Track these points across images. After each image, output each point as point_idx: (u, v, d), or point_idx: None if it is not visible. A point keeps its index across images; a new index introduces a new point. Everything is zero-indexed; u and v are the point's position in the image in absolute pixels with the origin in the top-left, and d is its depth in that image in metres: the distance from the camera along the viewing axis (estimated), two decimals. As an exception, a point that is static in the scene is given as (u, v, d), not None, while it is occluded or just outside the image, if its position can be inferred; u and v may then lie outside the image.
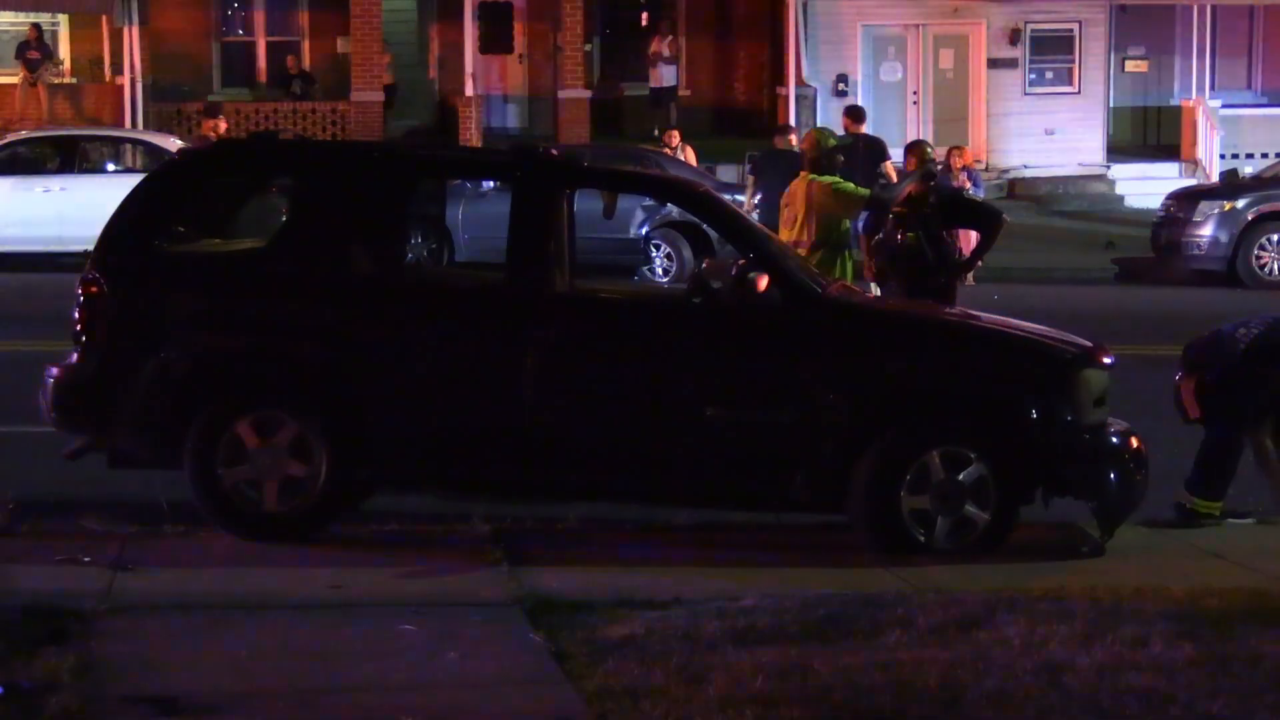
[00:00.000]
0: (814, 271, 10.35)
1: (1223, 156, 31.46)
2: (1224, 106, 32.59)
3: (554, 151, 10.10)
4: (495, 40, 31.18)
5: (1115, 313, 20.80)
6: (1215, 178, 28.86)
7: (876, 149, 21.06)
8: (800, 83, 31.46)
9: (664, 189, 12.84)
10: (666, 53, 32.63)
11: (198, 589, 8.20)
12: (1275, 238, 24.32)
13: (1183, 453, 10.34)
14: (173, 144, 22.90)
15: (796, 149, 17.78)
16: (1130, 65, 34.31)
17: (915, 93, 32.30)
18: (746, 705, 6.37)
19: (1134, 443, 9.41)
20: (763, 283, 9.10)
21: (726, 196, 13.69)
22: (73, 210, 21.76)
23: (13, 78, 30.66)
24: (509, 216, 9.34)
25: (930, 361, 9.31)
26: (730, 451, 9.10)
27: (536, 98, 33.85)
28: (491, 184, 21.60)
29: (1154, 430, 10.08)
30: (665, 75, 32.62)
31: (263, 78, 32.87)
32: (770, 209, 16.49)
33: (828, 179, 13.06)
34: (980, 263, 13.66)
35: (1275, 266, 24.31)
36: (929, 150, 13.67)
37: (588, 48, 33.09)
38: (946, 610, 7.72)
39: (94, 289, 9.24)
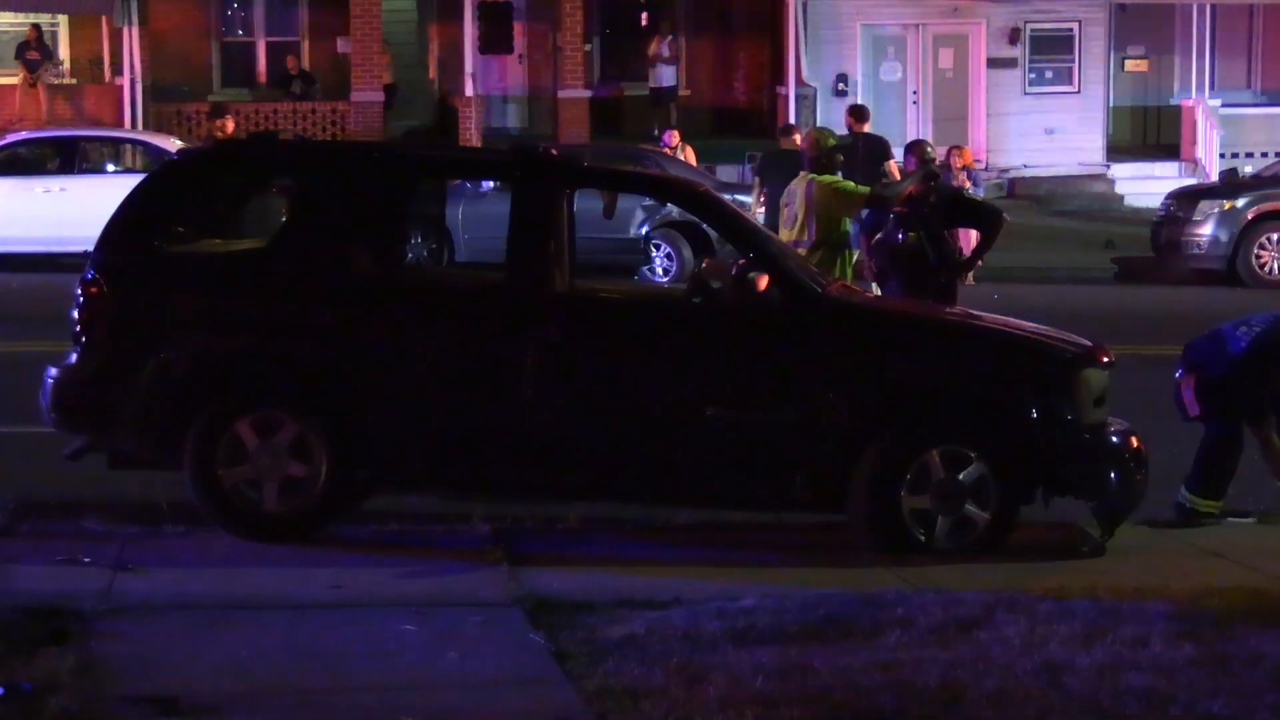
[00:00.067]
0: (814, 271, 10.34)
1: (1222, 156, 31.47)
2: (1224, 106, 32.59)
3: (554, 151, 10.09)
4: (495, 40, 31.18)
5: (1115, 312, 20.80)
6: (1215, 177, 28.86)
7: (879, 148, 21.05)
8: (800, 82, 31.47)
9: (664, 189, 12.85)
10: (666, 52, 32.63)
11: (198, 589, 8.20)
12: (1275, 237, 24.33)
13: (1183, 452, 10.34)
14: (172, 144, 22.89)
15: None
16: (1130, 65, 34.33)
17: (915, 92, 32.31)
18: (746, 705, 6.37)
19: (1134, 442, 9.41)
20: (763, 282, 9.10)
21: (726, 196, 13.70)
22: (72, 211, 21.75)
23: (12, 78, 30.66)
24: (509, 216, 9.34)
25: (930, 361, 9.31)
26: (730, 451, 9.10)
27: (536, 98, 33.86)
28: (491, 184, 21.62)
29: (1154, 429, 10.08)
30: (665, 75, 32.62)
31: (262, 78, 32.87)
32: (776, 209, 16.48)
33: (827, 178, 13.06)
34: (981, 262, 13.65)
35: (1275, 265, 24.31)
36: (929, 150, 13.65)
37: (587, 48, 33.09)
38: (947, 610, 7.72)
39: (94, 289, 9.24)
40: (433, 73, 33.87)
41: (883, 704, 6.44)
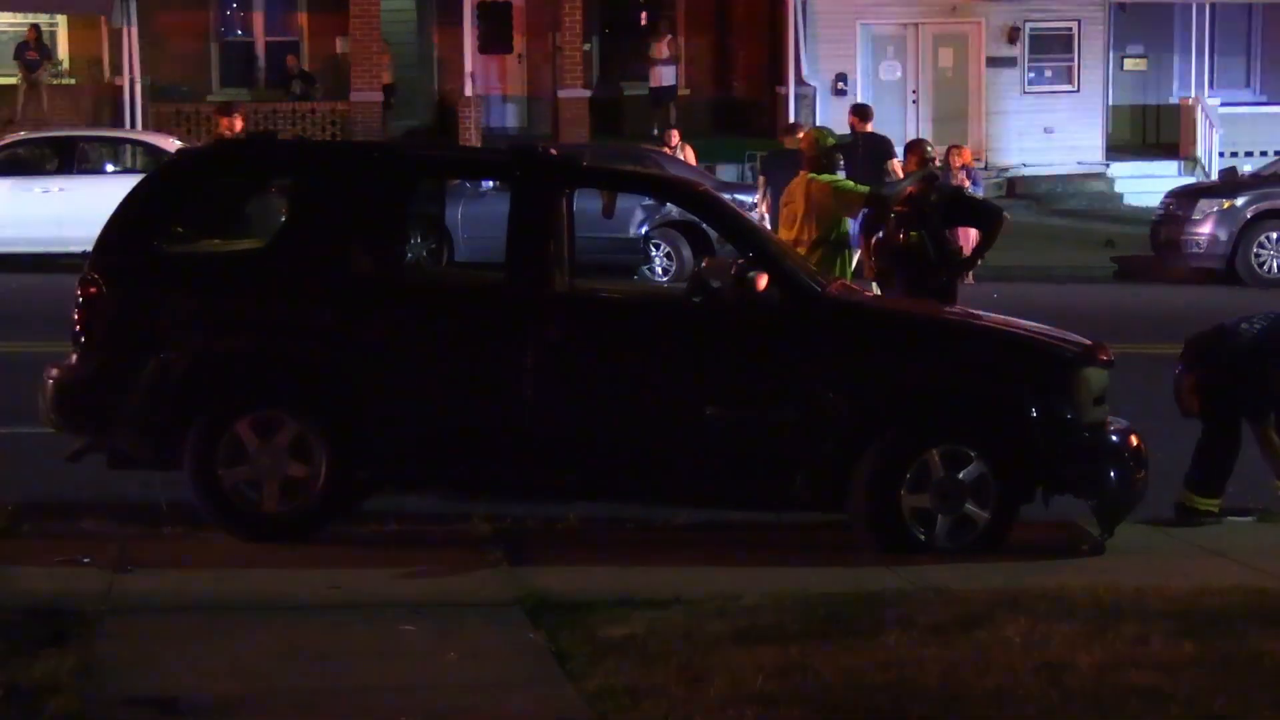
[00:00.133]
0: (813, 270, 10.34)
1: (1221, 154, 31.48)
2: (1223, 105, 32.60)
3: (553, 151, 10.09)
4: (495, 40, 31.18)
5: (1114, 311, 20.81)
6: (1214, 176, 28.87)
7: (882, 147, 21.03)
8: (799, 82, 31.48)
9: (663, 188, 12.83)
10: (666, 52, 32.63)
11: (198, 590, 8.20)
12: (1274, 235, 24.33)
13: (1183, 451, 10.34)
14: (172, 144, 22.89)
15: None
16: (1129, 64, 34.35)
17: (914, 91, 32.31)
18: (747, 705, 6.37)
19: (1134, 441, 9.41)
20: (762, 282, 9.10)
21: (726, 196, 13.69)
22: (72, 211, 21.75)
23: (12, 78, 30.65)
24: (508, 216, 9.34)
25: (930, 360, 9.31)
26: (730, 451, 9.10)
27: (536, 98, 33.85)
28: (491, 184, 21.62)
29: (1154, 428, 10.08)
30: (665, 75, 32.62)
31: (262, 78, 32.87)
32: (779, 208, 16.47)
33: (826, 178, 13.05)
34: (982, 260, 13.64)
35: (1274, 264, 24.32)
36: (929, 149, 13.64)
37: (587, 47, 33.09)
38: (947, 609, 7.72)
39: (93, 290, 9.24)
40: (432, 73, 33.87)
41: (883, 703, 6.44)
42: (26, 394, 9.81)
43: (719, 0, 34.34)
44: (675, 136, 26.71)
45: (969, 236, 17.50)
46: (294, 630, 7.52)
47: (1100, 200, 31.58)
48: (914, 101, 32.23)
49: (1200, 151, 31.99)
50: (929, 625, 7.48)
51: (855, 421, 9.05)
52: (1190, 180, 29.51)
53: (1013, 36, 32.30)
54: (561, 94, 31.77)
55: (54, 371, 9.37)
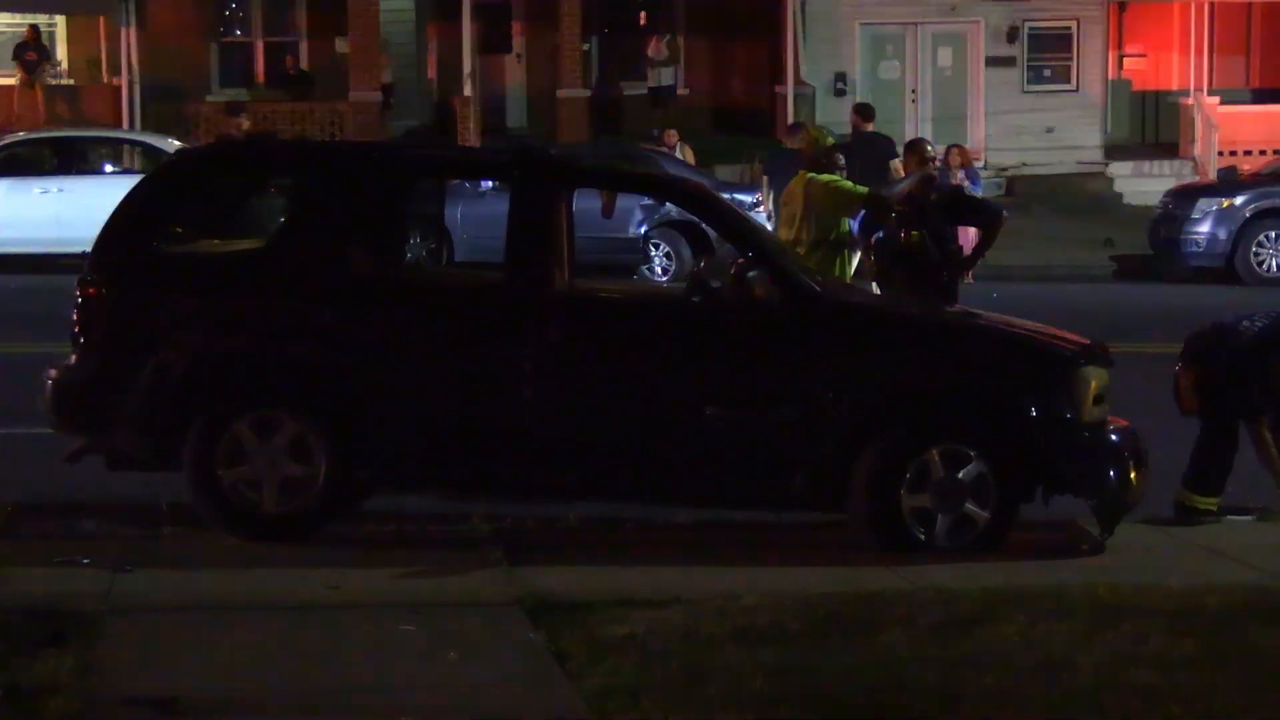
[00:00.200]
0: (812, 270, 10.35)
1: (1220, 154, 31.47)
2: (1222, 104, 32.59)
3: (552, 151, 10.09)
4: (493, 40, 31.18)
5: (1114, 310, 20.81)
6: (1213, 175, 28.87)
7: (884, 147, 21.02)
8: (799, 81, 31.48)
9: (663, 188, 12.84)
10: (665, 52, 32.63)
11: (197, 590, 8.20)
12: (1273, 234, 24.35)
13: (1182, 450, 10.34)
14: (170, 145, 22.89)
15: None
16: (1128, 63, 34.33)
17: (913, 91, 32.31)
18: (747, 704, 6.37)
19: (1133, 440, 9.41)
20: (761, 282, 9.10)
21: (725, 195, 13.69)
22: (71, 211, 21.75)
23: (10, 79, 30.66)
24: (508, 216, 9.34)
25: (929, 359, 9.31)
26: (730, 450, 9.11)
27: (535, 97, 33.86)
28: (490, 184, 21.61)
29: (1153, 427, 10.08)
30: (664, 74, 32.62)
31: (260, 78, 32.87)
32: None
33: (825, 177, 13.04)
34: (984, 257, 13.65)
35: (1273, 263, 24.33)
36: (929, 149, 13.64)
37: (586, 47, 33.09)
38: (947, 608, 7.72)
39: (92, 290, 9.24)
40: (431, 72, 33.86)
41: (883, 703, 6.44)
42: (25, 394, 9.81)
43: (718, 0, 34.35)
44: (674, 136, 26.71)
45: (968, 236, 17.51)
46: (294, 630, 7.52)
47: (1099, 199, 31.57)
48: (913, 101, 32.23)
49: (1199, 150, 31.98)
50: (929, 625, 7.48)
51: (855, 421, 9.05)
52: (1189, 179, 29.51)
53: (1012, 36, 32.29)
54: (560, 93, 31.78)
55: (53, 372, 9.36)
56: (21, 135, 25.76)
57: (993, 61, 32.32)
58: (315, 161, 10.23)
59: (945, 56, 32.53)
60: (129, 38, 30.09)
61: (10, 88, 30.49)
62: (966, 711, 6.39)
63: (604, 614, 7.65)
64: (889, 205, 12.77)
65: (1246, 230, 24.26)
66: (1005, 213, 13.68)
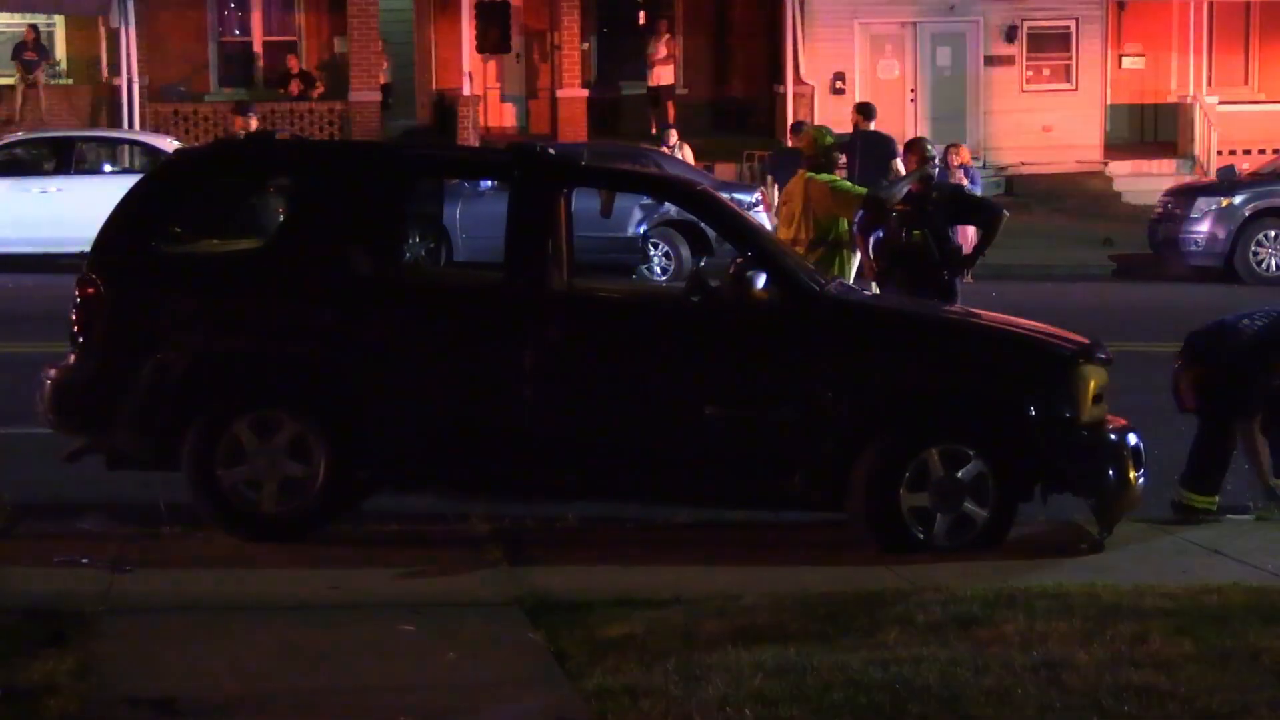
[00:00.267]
0: (812, 270, 10.34)
1: (1219, 153, 31.48)
2: (1221, 103, 32.60)
3: (551, 150, 10.08)
4: (493, 39, 31.17)
5: (1113, 309, 20.82)
6: (1212, 174, 28.87)
7: (885, 147, 21.00)
8: (798, 81, 31.49)
9: (662, 188, 12.83)
10: (664, 51, 32.64)
11: (196, 590, 8.20)
12: (1272, 234, 24.35)
13: (1182, 449, 10.35)
14: (170, 145, 22.89)
15: None
16: (1127, 62, 34.34)
17: (912, 90, 32.31)
18: (746, 704, 6.37)
19: (1132, 439, 9.41)
20: (760, 281, 9.10)
21: (725, 195, 13.67)
22: (69, 211, 21.75)
23: (9, 79, 30.65)
24: (507, 216, 9.33)
25: (928, 359, 9.31)
26: (729, 450, 9.10)
27: (534, 97, 33.86)
28: (489, 183, 21.60)
29: (1152, 427, 10.08)
30: (663, 74, 32.62)
31: (260, 78, 32.86)
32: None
33: (825, 177, 13.04)
34: (984, 256, 13.65)
35: (1272, 262, 24.33)
36: (929, 148, 13.63)
37: (585, 47, 33.09)
38: (946, 608, 7.72)
39: (91, 290, 9.23)
40: (430, 72, 33.86)
41: (882, 702, 6.44)
42: (24, 394, 9.81)
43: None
44: (673, 136, 26.70)
45: (966, 235, 17.51)
46: (294, 630, 7.52)
47: (1098, 199, 31.58)
48: (912, 100, 32.23)
49: (1198, 150, 31.99)
50: (928, 624, 7.48)
51: (854, 420, 9.05)
52: (1188, 178, 29.51)
53: (1011, 35, 32.30)
54: (560, 93, 31.78)
55: (52, 372, 9.36)
56: (20, 135, 25.77)
57: (992, 61, 32.33)
58: (314, 161, 10.23)
59: (944, 56, 32.54)
60: (128, 38, 30.08)
61: (9, 88, 30.48)
62: (965, 711, 6.39)
63: (604, 614, 7.65)
64: (887, 206, 12.76)
65: (1245, 229, 24.27)
66: (1006, 211, 13.67)
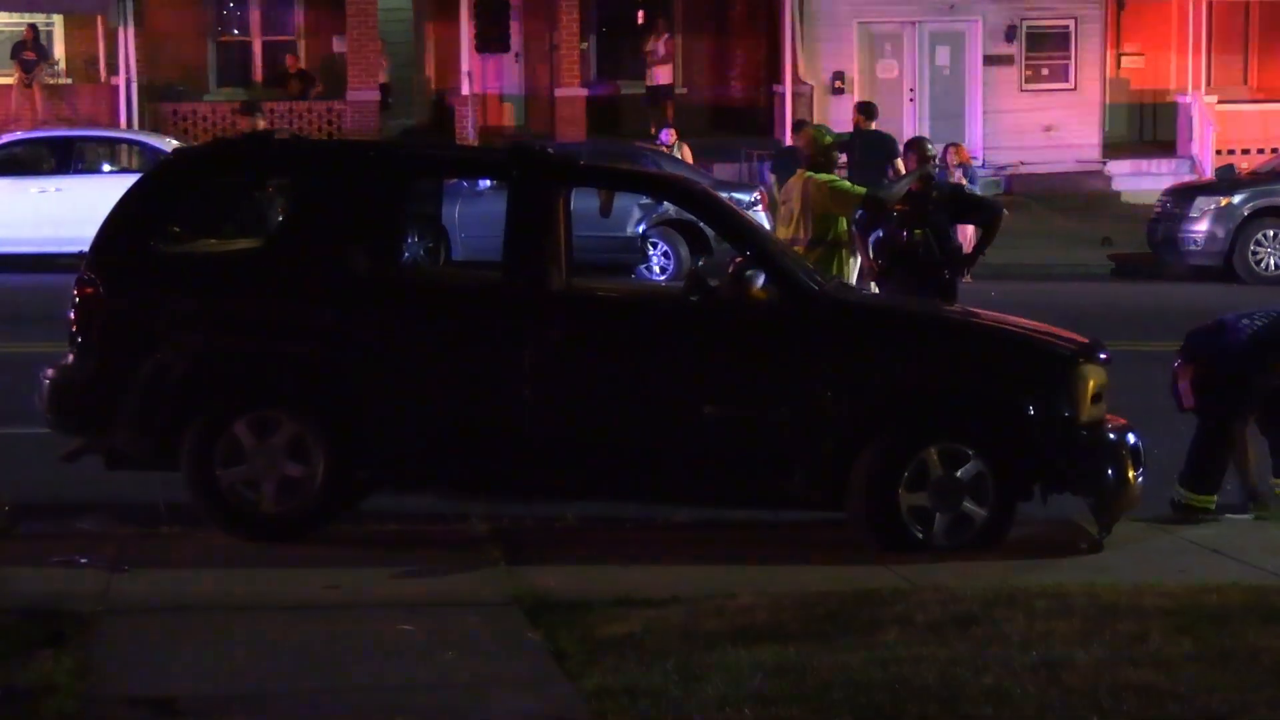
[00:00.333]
0: (811, 269, 10.34)
1: (1219, 152, 31.48)
2: (1220, 103, 32.60)
3: (550, 150, 10.08)
4: (491, 39, 31.15)
5: (1112, 309, 20.81)
6: (1211, 173, 28.87)
7: (885, 146, 21.00)
8: (797, 80, 31.47)
9: (661, 187, 12.83)
10: (663, 51, 32.63)
11: (195, 590, 8.20)
12: (1271, 233, 24.34)
13: (1181, 448, 10.34)
14: (168, 144, 22.88)
15: None
16: (1126, 62, 34.34)
17: (912, 90, 32.30)
18: (745, 703, 6.37)
19: (1131, 439, 9.41)
20: (759, 281, 9.10)
21: (724, 194, 13.69)
22: (68, 211, 21.73)
23: (8, 78, 30.64)
24: (506, 215, 9.33)
25: (928, 358, 9.31)
26: (728, 449, 9.10)
27: (533, 96, 33.85)
28: (488, 183, 21.60)
29: (1151, 426, 10.08)
30: (662, 73, 32.61)
31: (258, 77, 32.86)
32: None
33: (824, 177, 13.04)
34: (984, 255, 13.65)
35: (1271, 262, 24.32)
36: (929, 147, 13.63)
37: (584, 46, 33.07)
38: (945, 607, 7.72)
39: (89, 290, 9.23)
40: (429, 71, 33.86)
41: (881, 702, 6.44)
42: (23, 394, 9.80)
43: (716, -1, 34.37)
44: (672, 135, 26.70)
45: (967, 234, 17.51)
46: (293, 630, 7.52)
47: (1097, 198, 31.58)
48: (911, 100, 32.23)
49: (1197, 149, 31.99)
50: (927, 623, 7.47)
51: (853, 420, 9.05)
52: (1187, 178, 29.51)
53: (1010, 34, 32.29)
54: (558, 92, 31.77)
55: (51, 372, 9.36)
56: (19, 135, 25.74)
57: (991, 60, 32.32)
58: (313, 161, 10.22)
59: (943, 55, 32.52)
60: (126, 37, 30.07)
61: (8, 87, 30.47)
62: (965, 711, 6.39)
63: (603, 613, 7.65)
64: (887, 205, 12.76)
65: (1244, 229, 24.26)
66: (1005, 211, 13.67)
